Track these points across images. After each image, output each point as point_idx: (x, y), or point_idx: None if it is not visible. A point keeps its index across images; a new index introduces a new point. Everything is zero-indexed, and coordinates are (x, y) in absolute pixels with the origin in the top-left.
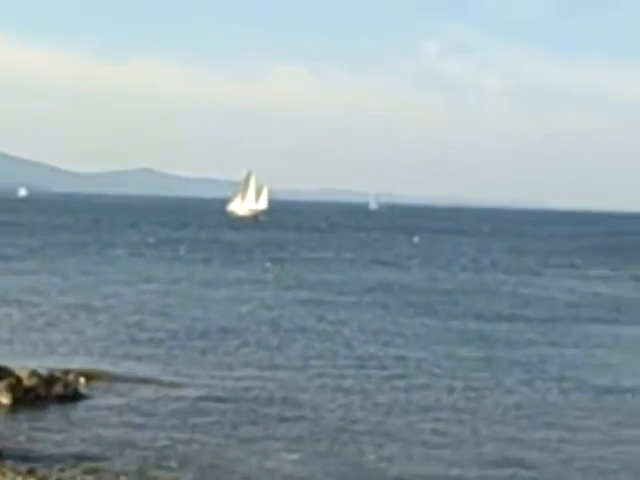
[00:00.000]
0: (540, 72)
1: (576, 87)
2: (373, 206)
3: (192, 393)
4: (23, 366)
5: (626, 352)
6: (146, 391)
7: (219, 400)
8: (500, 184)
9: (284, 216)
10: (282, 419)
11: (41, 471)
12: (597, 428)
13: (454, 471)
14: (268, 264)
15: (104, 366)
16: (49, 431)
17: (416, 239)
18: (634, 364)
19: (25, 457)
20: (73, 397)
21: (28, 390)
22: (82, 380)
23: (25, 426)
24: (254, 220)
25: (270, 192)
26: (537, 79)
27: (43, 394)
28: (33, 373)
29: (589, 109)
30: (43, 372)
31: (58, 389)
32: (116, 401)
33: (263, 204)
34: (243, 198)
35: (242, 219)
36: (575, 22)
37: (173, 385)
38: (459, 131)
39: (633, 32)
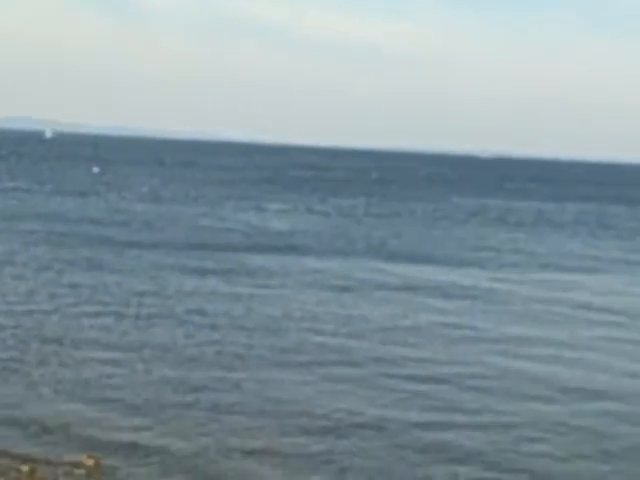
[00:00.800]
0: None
1: (259, 23)
2: (48, 134)
3: None
4: None
5: (296, 284)
6: None
7: None
8: (173, 114)
9: None
10: None
11: None
12: (263, 357)
13: (127, 395)
14: None
15: None
16: None
17: (96, 169)
18: (303, 295)
19: None
20: None
21: None
22: None
23: None
24: None
25: None
26: (219, 8)
27: None
28: None
29: (270, 45)
30: None
31: None
32: None
33: None
34: None
35: None
36: None
37: None
38: (129, 57)
39: None
